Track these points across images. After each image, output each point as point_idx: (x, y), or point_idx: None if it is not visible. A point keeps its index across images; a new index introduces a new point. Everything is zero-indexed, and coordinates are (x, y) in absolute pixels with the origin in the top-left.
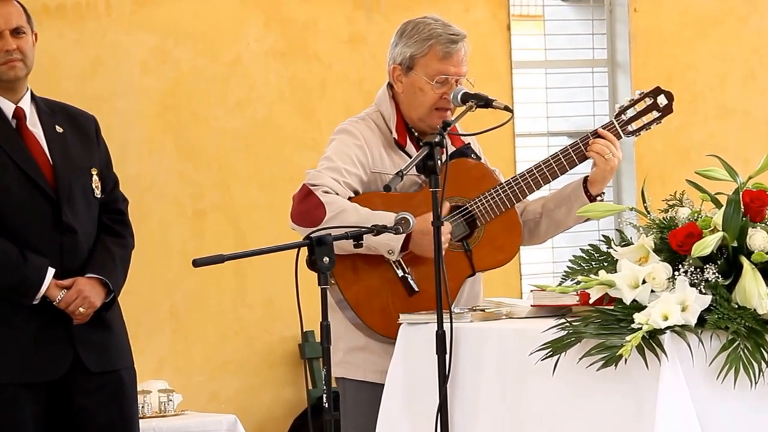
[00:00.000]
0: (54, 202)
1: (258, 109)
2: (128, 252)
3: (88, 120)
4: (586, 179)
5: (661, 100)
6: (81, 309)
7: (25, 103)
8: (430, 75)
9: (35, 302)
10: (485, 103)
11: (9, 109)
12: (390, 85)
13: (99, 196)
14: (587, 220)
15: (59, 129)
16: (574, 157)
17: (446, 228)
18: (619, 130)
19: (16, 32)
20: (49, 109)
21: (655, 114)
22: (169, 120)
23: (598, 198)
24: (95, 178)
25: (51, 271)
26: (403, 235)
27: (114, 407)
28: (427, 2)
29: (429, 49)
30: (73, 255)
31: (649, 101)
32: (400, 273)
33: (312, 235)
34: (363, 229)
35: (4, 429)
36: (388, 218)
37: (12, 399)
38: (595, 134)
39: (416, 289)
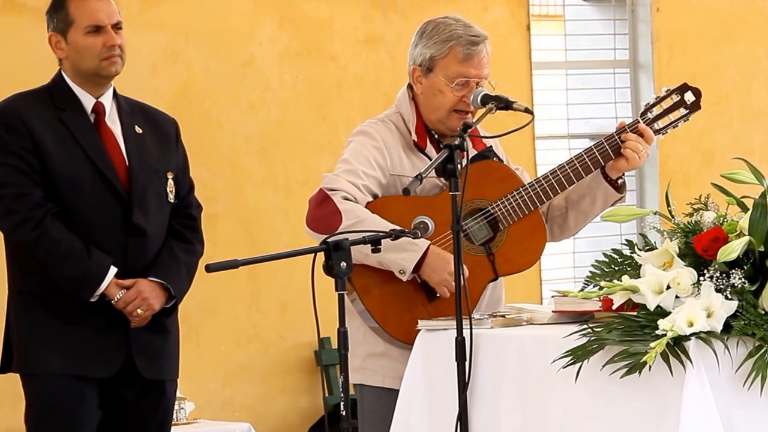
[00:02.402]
0: (125, 202)
1: (272, 110)
2: (196, 259)
3: (169, 123)
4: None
5: (689, 97)
6: (139, 311)
7: (107, 99)
8: (450, 77)
9: (93, 299)
10: (505, 105)
11: (89, 103)
12: (410, 86)
13: (172, 200)
14: (614, 204)
15: (138, 129)
16: (599, 158)
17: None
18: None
19: (116, 27)
20: (129, 109)
21: (682, 111)
22: (180, 122)
23: (620, 181)
24: (170, 182)
25: (113, 270)
26: (417, 258)
27: (150, 417)
28: (444, 1)
29: (449, 50)
30: (138, 257)
31: (676, 98)
32: (420, 278)
33: (329, 240)
34: (381, 234)
35: (69, 415)
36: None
37: (75, 388)
38: (623, 132)
39: (437, 294)
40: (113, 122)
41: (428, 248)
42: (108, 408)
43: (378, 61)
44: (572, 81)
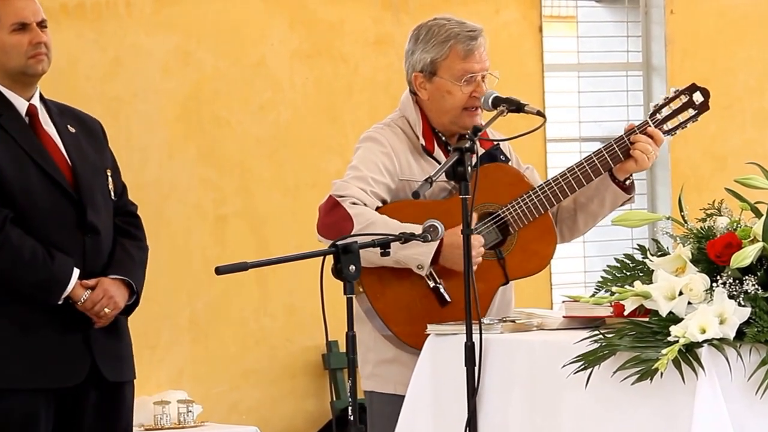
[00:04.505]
0: (76, 202)
1: (282, 112)
2: (146, 254)
3: (95, 123)
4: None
5: (697, 98)
6: (106, 309)
7: (36, 102)
8: (456, 76)
9: (59, 302)
10: (517, 107)
11: (22, 106)
12: (413, 91)
13: (113, 198)
14: (623, 204)
15: (72, 129)
16: (608, 160)
17: (478, 242)
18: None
19: (42, 25)
20: (57, 110)
21: (691, 112)
22: (190, 123)
23: (627, 182)
24: (110, 179)
25: (77, 271)
26: (433, 251)
27: (113, 422)
28: (456, 3)
29: (450, 50)
30: (95, 256)
31: (684, 99)
32: (431, 283)
33: (338, 243)
34: (390, 237)
35: None
36: (418, 231)
37: (28, 405)
38: (632, 133)
39: (449, 300)
40: (47, 124)
41: (442, 240)
42: (67, 420)
43: (387, 62)
44: (584, 83)
